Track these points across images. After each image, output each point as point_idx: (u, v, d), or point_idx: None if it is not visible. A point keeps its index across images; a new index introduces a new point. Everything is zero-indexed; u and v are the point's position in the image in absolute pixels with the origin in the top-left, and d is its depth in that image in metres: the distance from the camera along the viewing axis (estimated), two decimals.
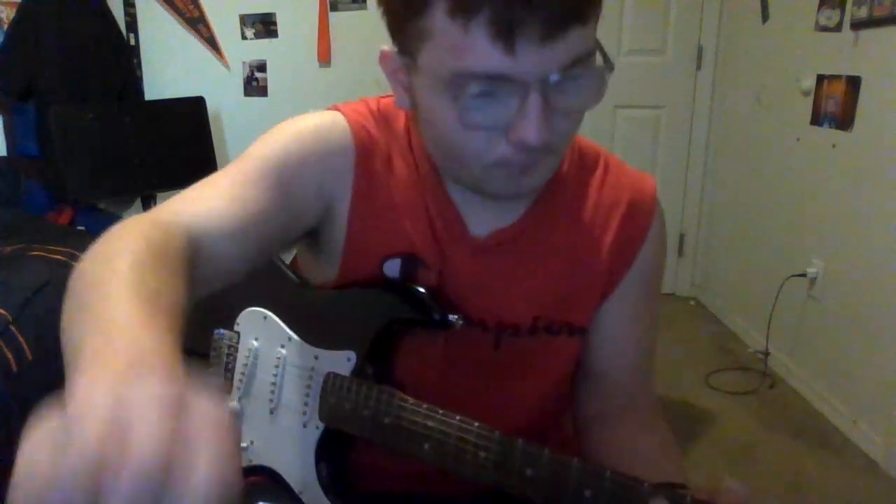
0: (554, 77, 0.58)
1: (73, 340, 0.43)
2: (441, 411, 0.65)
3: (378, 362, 0.73)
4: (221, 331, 0.85)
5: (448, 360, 0.76)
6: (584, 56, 0.59)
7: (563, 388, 0.83)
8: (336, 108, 0.76)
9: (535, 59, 0.56)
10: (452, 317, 0.71)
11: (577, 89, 0.60)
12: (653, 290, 0.82)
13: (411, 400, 0.67)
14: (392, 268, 0.75)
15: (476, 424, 0.63)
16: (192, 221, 0.62)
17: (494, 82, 0.57)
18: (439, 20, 0.56)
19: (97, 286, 0.48)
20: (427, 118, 0.66)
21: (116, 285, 0.47)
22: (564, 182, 0.77)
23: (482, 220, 0.75)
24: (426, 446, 0.64)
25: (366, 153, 0.74)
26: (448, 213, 0.75)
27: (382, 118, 0.76)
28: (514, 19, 0.54)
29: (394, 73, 0.66)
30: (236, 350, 0.83)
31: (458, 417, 0.64)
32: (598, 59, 0.63)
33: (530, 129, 0.58)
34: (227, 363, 0.84)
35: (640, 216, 0.78)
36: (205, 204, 0.65)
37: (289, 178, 0.70)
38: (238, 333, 0.84)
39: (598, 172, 0.79)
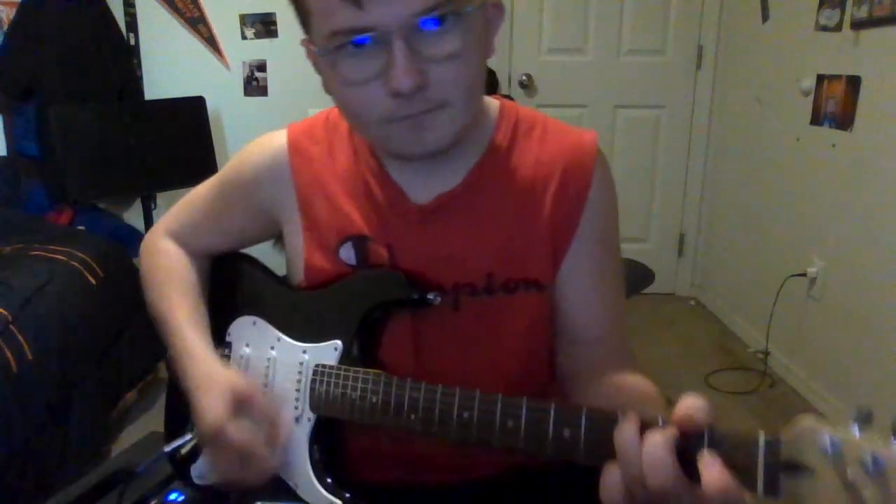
0: (415, 23, 0.62)
1: (165, 336, 0.85)
2: (424, 383, 0.68)
3: (362, 347, 0.77)
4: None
5: (418, 332, 0.79)
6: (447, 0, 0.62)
7: (536, 351, 0.84)
8: (290, 125, 0.86)
9: (384, 8, 0.60)
10: (430, 295, 0.75)
11: (448, 33, 0.63)
12: (608, 239, 0.83)
13: (396, 377, 0.70)
14: (347, 252, 0.80)
15: (458, 388, 0.66)
16: (178, 235, 0.94)
17: (358, 35, 0.62)
18: None
19: (169, 313, 0.86)
20: (329, 91, 0.72)
21: (181, 311, 0.85)
22: (502, 146, 0.80)
23: (423, 189, 0.78)
24: (413, 417, 0.68)
25: (301, 159, 0.83)
26: (387, 186, 0.79)
27: (332, 123, 0.84)
28: None
29: (313, 61, 0.72)
30: (229, 360, 0.85)
31: (440, 386, 0.67)
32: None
33: (397, 76, 0.62)
34: None
35: (581, 167, 0.79)
36: (189, 215, 0.93)
37: (234, 192, 0.88)
38: (230, 343, 0.86)
39: (537, 133, 0.81)
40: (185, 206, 0.95)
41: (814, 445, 0.48)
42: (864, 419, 0.48)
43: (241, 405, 0.74)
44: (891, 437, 0.46)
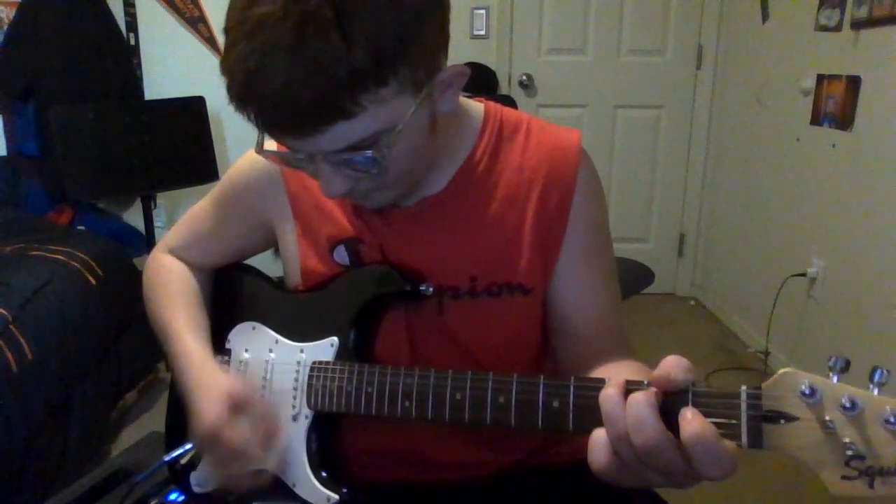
0: (329, 155, 0.64)
1: (166, 344, 0.87)
2: (417, 369, 0.69)
3: (358, 343, 0.78)
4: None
5: (412, 329, 0.80)
6: (360, 142, 0.62)
7: (525, 352, 0.84)
8: None
9: (299, 146, 0.64)
10: (423, 286, 0.76)
11: (364, 162, 0.64)
12: (599, 237, 0.83)
13: (391, 368, 0.71)
14: (340, 254, 0.81)
15: (450, 372, 0.67)
16: (180, 250, 0.96)
17: (286, 151, 0.67)
18: None
19: (169, 323, 0.87)
20: None
21: (182, 318, 0.87)
22: (485, 151, 0.80)
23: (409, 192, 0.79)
24: (407, 404, 0.69)
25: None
26: None
27: None
28: (265, 123, 0.62)
29: None
30: (228, 366, 0.86)
31: (433, 371, 0.68)
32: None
33: (324, 185, 0.67)
34: None
35: (564, 169, 0.80)
36: (189, 231, 0.95)
37: (231, 204, 0.91)
38: (230, 350, 0.87)
39: (521, 137, 0.82)
40: (185, 222, 0.97)
41: (794, 393, 0.50)
42: (842, 367, 0.50)
43: (238, 408, 0.75)
44: (868, 383, 0.48)
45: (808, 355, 2.49)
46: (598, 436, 0.54)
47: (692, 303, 3.50)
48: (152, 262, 0.96)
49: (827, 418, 0.48)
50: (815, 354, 2.45)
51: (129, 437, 2.19)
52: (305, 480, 0.76)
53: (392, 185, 0.70)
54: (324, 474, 0.76)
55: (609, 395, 0.54)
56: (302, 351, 0.79)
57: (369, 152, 0.63)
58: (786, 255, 2.61)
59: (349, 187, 0.67)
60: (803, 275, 2.46)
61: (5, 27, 2.84)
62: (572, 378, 0.60)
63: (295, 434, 0.77)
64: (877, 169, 2.09)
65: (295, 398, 0.78)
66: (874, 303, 2.12)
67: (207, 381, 0.78)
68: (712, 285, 3.42)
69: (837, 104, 2.28)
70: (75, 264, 2.13)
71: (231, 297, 0.92)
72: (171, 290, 0.91)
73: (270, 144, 0.72)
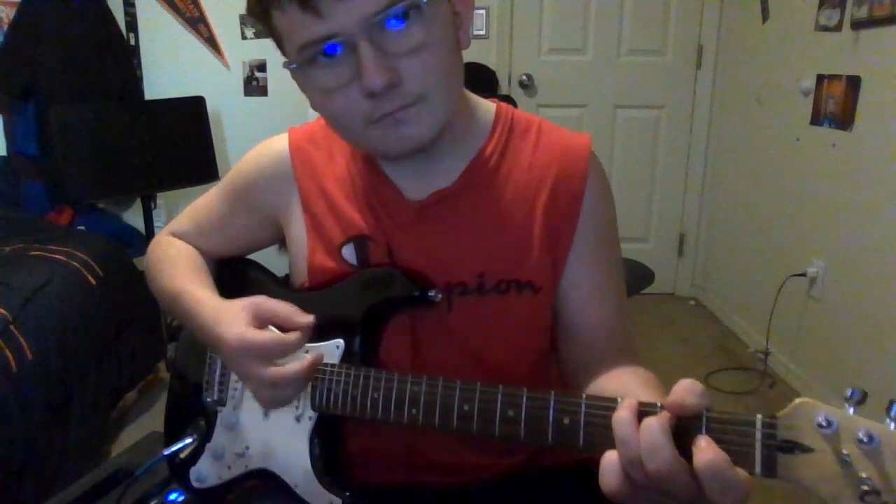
0: (376, 22, 0.63)
1: (177, 306, 0.85)
2: (425, 377, 0.68)
3: (364, 346, 0.77)
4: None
5: (415, 331, 0.79)
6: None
7: (531, 351, 0.84)
8: (291, 129, 0.89)
9: (342, 13, 0.62)
10: (431, 292, 0.75)
11: (412, 27, 0.65)
12: (608, 240, 0.83)
13: (397, 374, 0.70)
14: (349, 252, 0.81)
15: (459, 381, 0.66)
16: (187, 234, 0.96)
17: (323, 43, 0.64)
18: (274, 17, 0.66)
19: (175, 285, 0.86)
20: (313, 106, 0.73)
21: (189, 279, 0.87)
22: (496, 148, 0.81)
23: (418, 187, 0.80)
24: (414, 411, 0.68)
25: (304, 163, 0.85)
26: (382, 186, 0.81)
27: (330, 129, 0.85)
28: None
29: (297, 82, 0.73)
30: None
31: (441, 380, 0.67)
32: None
33: (368, 77, 0.64)
34: (220, 378, 0.86)
35: (574, 172, 0.80)
36: (194, 220, 0.96)
37: (239, 196, 0.90)
38: None
39: (532, 136, 0.82)
40: (190, 212, 0.96)
41: (810, 424, 0.49)
42: (859, 399, 0.49)
43: (259, 317, 0.75)
44: (885, 417, 0.47)
45: (808, 355, 2.49)
46: (610, 458, 0.54)
47: (692, 303, 3.50)
48: (156, 244, 0.96)
49: (843, 451, 0.48)
50: (815, 354, 2.45)
51: (129, 437, 2.19)
52: (308, 483, 0.76)
53: (432, 88, 0.68)
54: (328, 479, 0.75)
55: (622, 419, 0.53)
56: (306, 351, 0.78)
57: (403, 21, 0.64)
58: (786, 255, 2.61)
59: (391, 77, 0.65)
60: (803, 275, 2.46)
61: (5, 27, 2.84)
62: (584, 395, 0.59)
63: (299, 435, 0.77)
64: (877, 169, 2.09)
65: (298, 399, 0.77)
66: (874, 303, 2.12)
67: (224, 309, 0.77)
68: (712, 285, 3.42)
69: (837, 104, 2.28)
70: (75, 264, 2.13)
71: (234, 293, 0.91)
72: (180, 261, 0.90)
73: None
